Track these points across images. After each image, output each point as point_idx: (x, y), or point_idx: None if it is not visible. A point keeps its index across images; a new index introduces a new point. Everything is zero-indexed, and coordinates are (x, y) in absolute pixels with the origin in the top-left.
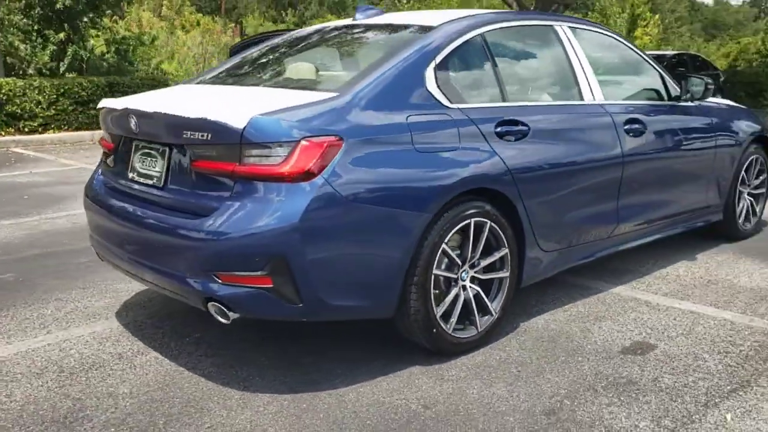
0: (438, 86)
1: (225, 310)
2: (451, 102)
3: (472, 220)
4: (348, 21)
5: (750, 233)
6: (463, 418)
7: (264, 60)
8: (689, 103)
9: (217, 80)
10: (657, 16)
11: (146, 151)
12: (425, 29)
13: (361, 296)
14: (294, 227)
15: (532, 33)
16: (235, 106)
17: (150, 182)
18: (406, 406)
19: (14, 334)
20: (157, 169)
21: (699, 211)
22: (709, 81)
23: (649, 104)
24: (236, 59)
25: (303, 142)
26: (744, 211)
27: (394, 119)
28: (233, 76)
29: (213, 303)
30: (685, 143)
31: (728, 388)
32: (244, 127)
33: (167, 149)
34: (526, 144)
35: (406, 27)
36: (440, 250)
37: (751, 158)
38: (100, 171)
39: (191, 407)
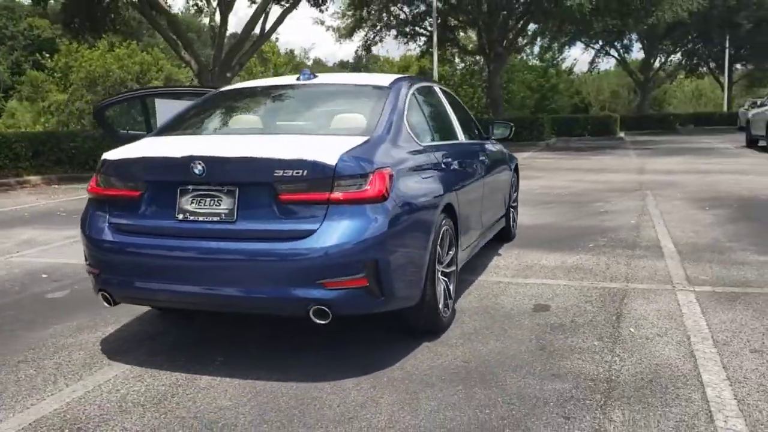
0: (409, 130)
1: (327, 311)
2: (419, 141)
3: (445, 225)
4: (305, 80)
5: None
6: (488, 360)
7: (260, 111)
8: (491, 142)
9: (224, 129)
10: None
11: (203, 193)
12: (383, 88)
13: (409, 288)
14: (383, 235)
15: (428, 91)
16: (317, 149)
17: (215, 219)
18: (456, 363)
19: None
20: (223, 207)
21: (499, 219)
22: (512, 125)
23: (481, 142)
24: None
25: (377, 173)
26: (517, 218)
27: (403, 153)
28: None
29: (317, 307)
30: (496, 168)
31: (613, 318)
32: (336, 164)
33: (236, 188)
34: (453, 170)
35: (365, 86)
36: (437, 249)
37: (514, 180)
38: (108, 218)
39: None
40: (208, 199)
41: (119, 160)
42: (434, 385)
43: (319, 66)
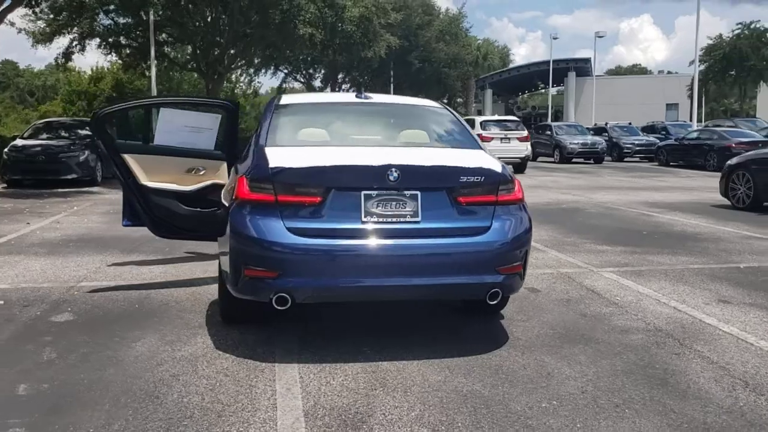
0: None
1: (499, 292)
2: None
3: None
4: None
5: None
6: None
7: (366, 125)
8: None
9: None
10: None
11: (388, 197)
12: (437, 108)
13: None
14: (529, 229)
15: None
16: (483, 159)
17: (401, 220)
18: (546, 331)
19: None
20: (408, 209)
21: None
22: None
23: None
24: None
25: (515, 178)
26: None
27: None
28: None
29: (495, 290)
30: None
31: (590, 293)
32: (501, 171)
33: (419, 193)
34: None
35: (423, 106)
36: None
37: None
38: (284, 222)
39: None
40: (393, 203)
41: (300, 168)
42: (556, 345)
43: None
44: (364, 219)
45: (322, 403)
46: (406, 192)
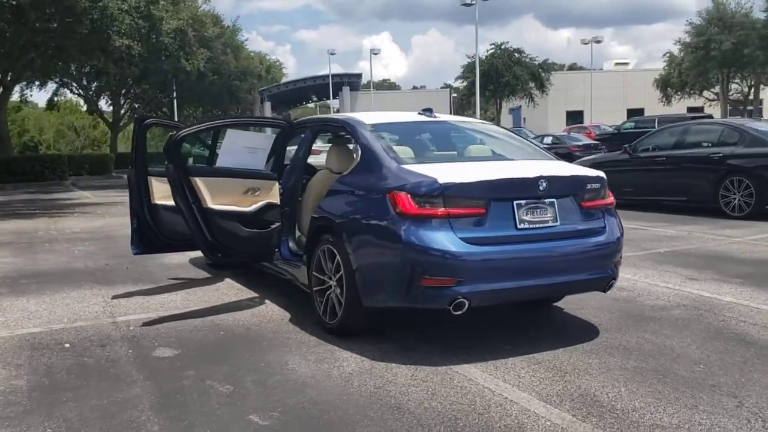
0: None
1: (614, 282)
2: None
3: None
4: (454, 117)
5: None
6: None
7: (469, 142)
8: None
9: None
10: None
11: (534, 206)
12: (485, 124)
13: None
14: (623, 226)
15: None
16: (587, 169)
17: (545, 224)
18: (588, 321)
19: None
20: (549, 215)
21: None
22: None
23: None
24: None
25: None
26: None
27: None
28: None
29: (612, 281)
30: None
31: None
32: (606, 178)
33: (555, 200)
34: None
35: (483, 122)
36: None
37: None
38: (455, 233)
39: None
40: (538, 210)
41: (467, 183)
42: (629, 324)
43: None
44: (519, 226)
45: (545, 391)
46: (545, 200)
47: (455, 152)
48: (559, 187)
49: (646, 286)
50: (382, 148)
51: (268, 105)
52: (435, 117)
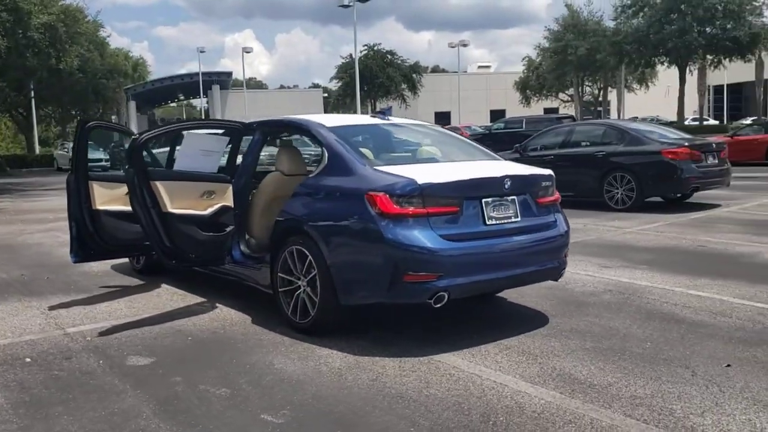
0: None
1: (561, 274)
2: None
3: None
4: (404, 120)
5: None
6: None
7: (417, 144)
8: None
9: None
10: None
11: (498, 203)
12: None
13: None
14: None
15: None
16: (535, 168)
17: (509, 220)
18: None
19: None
20: (510, 212)
21: None
22: None
23: None
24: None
25: None
26: None
27: None
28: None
29: (562, 271)
30: None
31: None
32: (554, 176)
33: (516, 197)
34: None
35: (430, 125)
36: None
37: None
38: (434, 231)
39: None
40: (502, 207)
41: (445, 183)
42: (568, 310)
43: None
44: (487, 222)
45: (526, 373)
46: (508, 197)
47: (411, 154)
48: (520, 185)
49: (570, 275)
50: (351, 149)
51: (132, 104)
52: (388, 120)
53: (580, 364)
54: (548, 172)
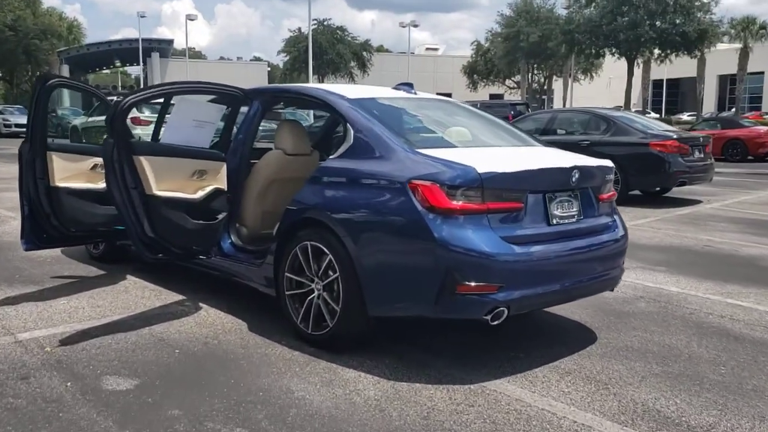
0: None
1: (618, 283)
2: None
3: None
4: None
5: None
6: None
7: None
8: None
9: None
10: None
11: (563, 199)
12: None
13: None
14: None
15: None
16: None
17: (572, 220)
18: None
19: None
20: (574, 209)
21: None
22: None
23: None
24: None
25: None
26: None
27: None
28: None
29: (618, 281)
30: None
31: None
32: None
33: (579, 192)
34: None
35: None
36: None
37: None
38: (494, 231)
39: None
40: (566, 204)
41: (506, 173)
42: (616, 320)
43: None
44: (552, 222)
45: (605, 408)
46: (573, 192)
47: (452, 136)
48: (587, 178)
49: None
50: (383, 126)
51: (66, 68)
52: (416, 94)
53: (660, 395)
54: (611, 164)
